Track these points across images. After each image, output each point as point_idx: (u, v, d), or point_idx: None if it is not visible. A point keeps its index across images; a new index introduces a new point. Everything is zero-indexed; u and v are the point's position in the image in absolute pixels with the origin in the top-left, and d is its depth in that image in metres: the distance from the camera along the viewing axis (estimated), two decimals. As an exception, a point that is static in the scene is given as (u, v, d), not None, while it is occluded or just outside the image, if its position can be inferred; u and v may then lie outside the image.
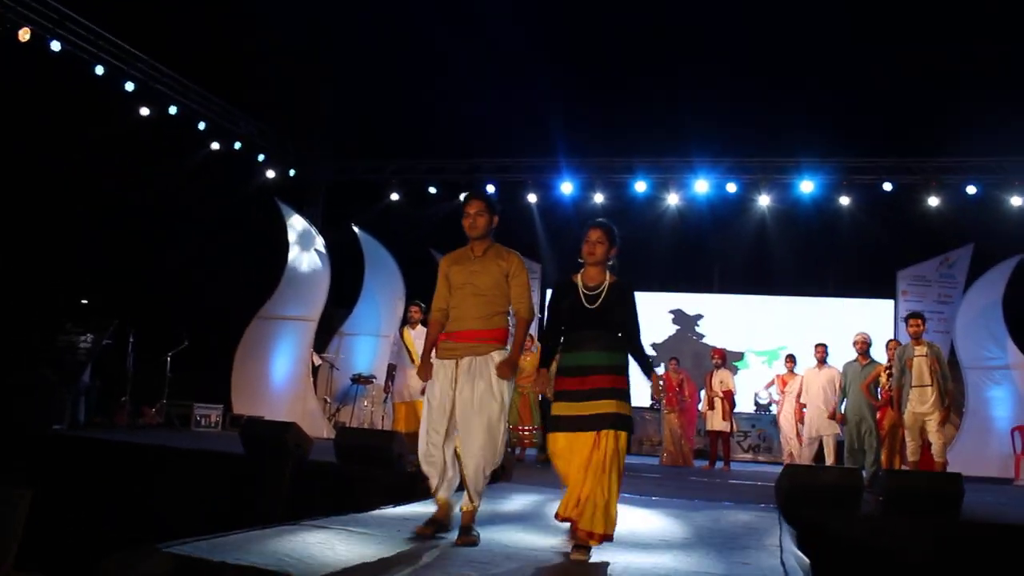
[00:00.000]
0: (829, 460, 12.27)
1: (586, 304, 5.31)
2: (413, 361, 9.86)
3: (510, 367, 5.43)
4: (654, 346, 17.94)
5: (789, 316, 17.67)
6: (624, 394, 5.29)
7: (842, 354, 12.09)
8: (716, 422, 14.01)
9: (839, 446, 12.14)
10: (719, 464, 14.12)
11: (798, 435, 12.91)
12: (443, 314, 5.64)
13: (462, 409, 5.38)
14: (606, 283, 5.39)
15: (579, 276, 5.46)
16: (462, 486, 5.50)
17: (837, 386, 11.74)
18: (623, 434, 5.20)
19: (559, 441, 5.26)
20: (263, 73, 15.32)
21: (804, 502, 7.30)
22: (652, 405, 15.06)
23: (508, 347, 5.53)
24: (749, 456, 16.23)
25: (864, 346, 11.28)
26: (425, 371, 5.57)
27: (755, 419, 16.48)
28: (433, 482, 5.50)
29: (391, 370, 10.51)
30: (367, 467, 8.50)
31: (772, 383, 14.19)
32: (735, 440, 15.49)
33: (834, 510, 7.24)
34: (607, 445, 5.13)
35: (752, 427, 16.43)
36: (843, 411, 11.44)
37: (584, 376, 5.25)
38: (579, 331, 5.33)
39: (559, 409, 5.29)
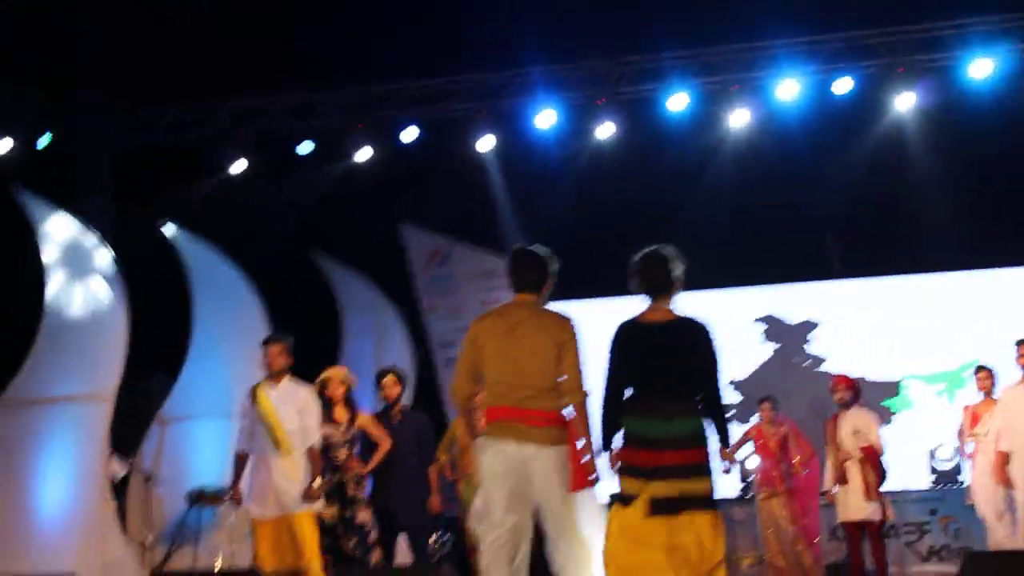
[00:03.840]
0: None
1: None
2: (277, 443, 7.77)
3: None
4: (735, 384, 14.03)
5: (983, 303, 13.37)
6: None
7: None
8: (853, 506, 10.57)
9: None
10: (871, 583, 11.37)
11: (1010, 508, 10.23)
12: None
13: None
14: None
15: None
16: None
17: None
18: None
19: None
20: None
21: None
22: (741, 492, 11.97)
23: None
24: (932, 568, 12.19)
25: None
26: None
27: (937, 498, 12.40)
28: None
29: (240, 463, 8.27)
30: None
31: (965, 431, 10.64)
32: (898, 538, 12.15)
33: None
34: None
35: (933, 513, 12.30)
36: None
37: None
38: None
39: None
